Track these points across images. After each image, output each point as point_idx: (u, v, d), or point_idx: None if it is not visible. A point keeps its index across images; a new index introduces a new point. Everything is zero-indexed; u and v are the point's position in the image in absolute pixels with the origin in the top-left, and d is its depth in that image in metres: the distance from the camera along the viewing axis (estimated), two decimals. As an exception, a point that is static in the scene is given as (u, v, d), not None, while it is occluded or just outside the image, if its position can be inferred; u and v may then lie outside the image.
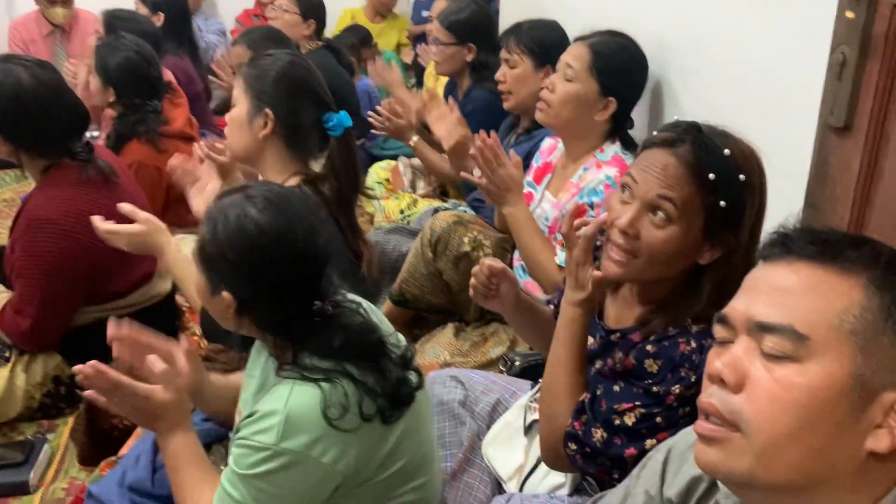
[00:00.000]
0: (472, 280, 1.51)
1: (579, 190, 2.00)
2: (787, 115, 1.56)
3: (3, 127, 1.99)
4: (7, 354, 2.13)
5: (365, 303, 1.37)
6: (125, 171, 2.30)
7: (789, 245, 0.82)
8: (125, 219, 2.06)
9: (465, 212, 2.59)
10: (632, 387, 1.24)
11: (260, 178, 1.94)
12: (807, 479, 0.76)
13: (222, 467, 1.32)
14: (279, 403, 1.18)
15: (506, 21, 3.23)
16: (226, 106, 4.09)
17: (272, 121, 1.75)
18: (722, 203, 1.18)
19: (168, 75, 2.91)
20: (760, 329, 0.78)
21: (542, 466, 1.48)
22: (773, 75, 1.64)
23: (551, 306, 1.61)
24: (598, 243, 1.35)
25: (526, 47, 2.43)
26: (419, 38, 4.85)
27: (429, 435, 1.40)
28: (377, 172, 3.34)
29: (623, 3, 2.49)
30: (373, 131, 2.97)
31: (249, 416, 1.21)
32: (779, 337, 0.76)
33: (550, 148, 2.25)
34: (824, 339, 0.75)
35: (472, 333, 2.36)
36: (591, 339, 1.37)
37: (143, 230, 1.79)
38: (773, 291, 0.80)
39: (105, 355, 2.00)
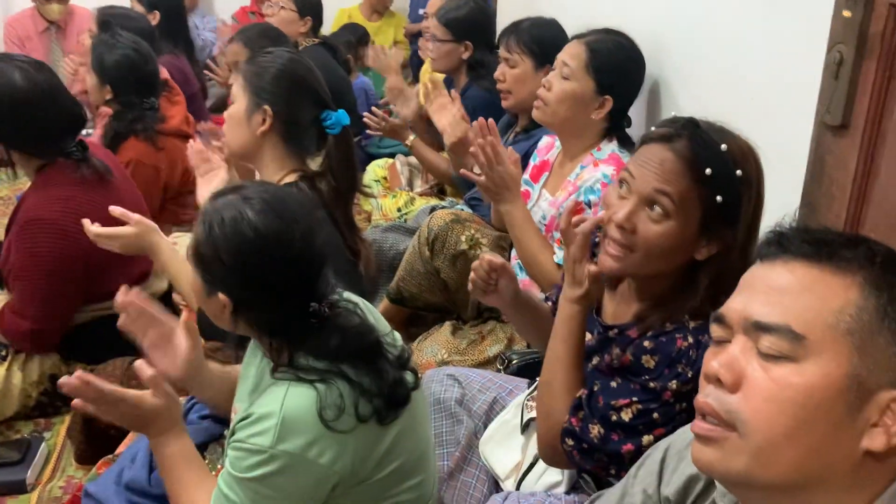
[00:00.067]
0: (472, 275, 1.51)
1: (576, 188, 2.00)
2: (783, 114, 1.56)
3: None
4: (3, 353, 2.13)
5: (362, 302, 1.36)
6: (120, 168, 2.30)
7: (785, 244, 0.82)
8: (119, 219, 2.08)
9: (463, 210, 2.59)
10: (629, 383, 1.24)
11: (257, 174, 1.94)
12: (803, 478, 0.76)
13: (219, 466, 1.32)
14: (275, 405, 1.18)
15: (503, 19, 3.24)
16: (222, 104, 4.10)
17: (270, 117, 1.75)
18: (718, 198, 1.19)
19: (164, 73, 2.91)
20: (757, 329, 0.78)
21: (539, 464, 1.48)
22: (770, 74, 1.64)
23: (549, 303, 1.61)
24: (597, 240, 1.35)
25: (526, 47, 2.43)
26: (416, 36, 4.84)
27: (425, 433, 1.39)
28: (374, 170, 3.34)
29: (620, 1, 2.49)
30: (368, 132, 2.97)
31: (245, 418, 1.21)
32: (775, 337, 0.76)
33: (548, 146, 2.25)
34: (821, 338, 0.75)
35: (470, 332, 2.36)
36: (588, 336, 1.38)
37: (135, 232, 1.79)
38: (769, 291, 0.80)
39: (101, 354, 2.02)
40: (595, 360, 1.34)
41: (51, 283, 2.00)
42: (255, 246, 1.20)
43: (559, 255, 1.92)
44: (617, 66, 2.03)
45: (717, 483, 0.88)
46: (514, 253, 2.21)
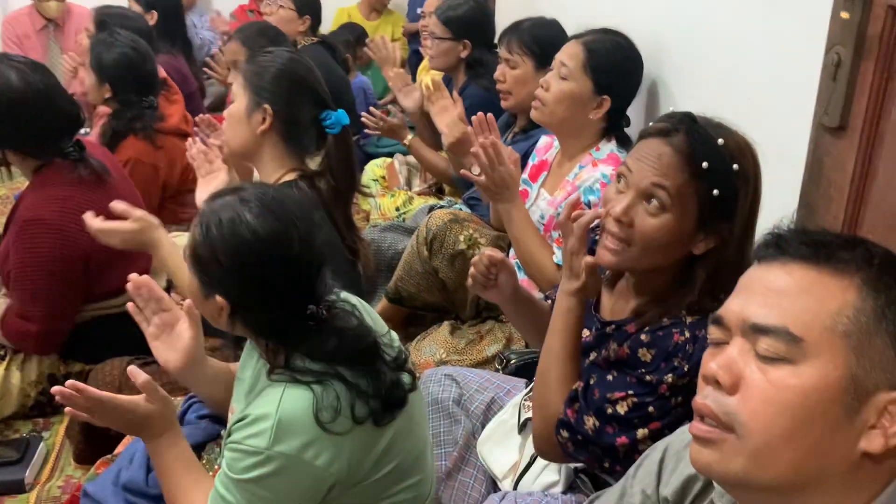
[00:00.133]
0: (472, 269, 1.52)
1: (575, 188, 2.00)
2: (781, 115, 1.57)
3: None
4: (2, 353, 2.12)
5: (359, 303, 1.36)
6: (118, 168, 2.30)
7: (783, 246, 0.82)
8: (119, 215, 2.07)
9: (461, 209, 2.59)
10: (625, 376, 1.25)
11: (256, 173, 1.94)
12: (801, 479, 0.76)
13: (217, 466, 1.32)
14: (271, 407, 1.18)
15: (501, 18, 3.23)
16: (221, 103, 4.10)
17: (270, 116, 1.76)
18: (715, 192, 1.19)
19: (162, 73, 2.91)
20: (755, 331, 0.78)
21: (536, 464, 1.48)
22: (769, 75, 1.64)
23: (549, 302, 1.62)
24: (596, 237, 1.35)
25: (527, 48, 2.42)
26: (414, 35, 4.85)
27: (422, 434, 1.39)
28: (373, 170, 3.34)
29: (618, 1, 2.49)
30: (366, 131, 2.97)
31: (241, 419, 1.21)
32: (773, 338, 0.76)
33: (546, 146, 2.26)
34: (818, 340, 0.75)
35: (468, 331, 2.36)
36: (587, 332, 1.38)
37: (136, 227, 1.79)
38: (767, 292, 0.80)
39: (100, 354, 2.02)
40: (593, 356, 1.34)
41: (52, 283, 2.00)
42: (253, 248, 1.19)
43: (558, 255, 1.92)
44: (615, 65, 2.03)
45: (715, 483, 0.88)
46: (512, 253, 2.21)
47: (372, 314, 1.39)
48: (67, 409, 1.30)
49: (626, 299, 1.35)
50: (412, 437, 1.33)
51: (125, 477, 1.51)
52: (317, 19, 3.71)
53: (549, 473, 1.46)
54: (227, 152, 1.96)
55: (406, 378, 1.30)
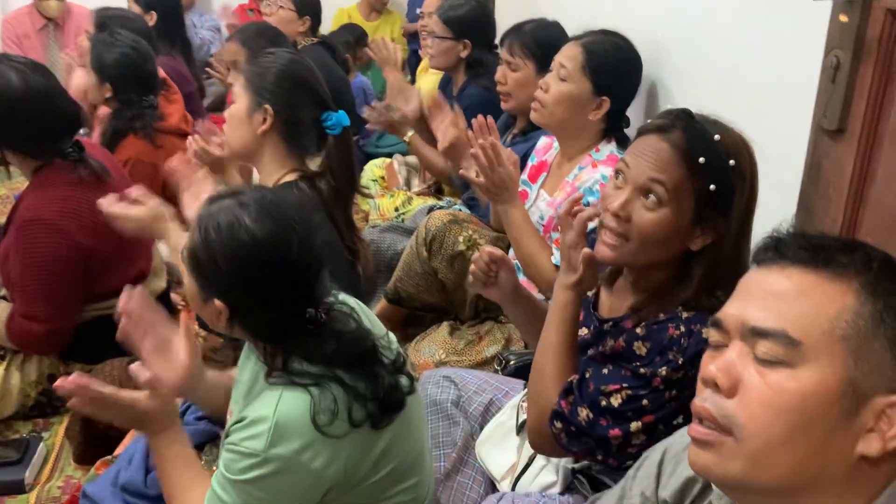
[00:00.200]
0: (472, 267, 1.52)
1: (574, 189, 2.00)
2: (781, 117, 1.57)
3: None
4: (1, 353, 2.13)
5: (357, 305, 1.36)
6: (118, 168, 2.30)
7: (782, 250, 0.82)
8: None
9: (461, 210, 2.59)
10: (620, 369, 1.25)
11: (256, 173, 1.94)
12: (799, 482, 0.77)
13: (215, 467, 1.32)
14: (268, 409, 1.18)
15: (501, 18, 3.24)
16: (220, 103, 4.10)
17: (271, 117, 1.76)
18: (711, 187, 1.20)
19: (162, 73, 2.91)
20: (754, 334, 0.78)
21: (534, 465, 1.49)
22: (768, 77, 1.64)
23: (549, 302, 1.62)
24: (594, 237, 1.36)
25: (529, 51, 2.41)
26: (413, 36, 4.85)
27: (421, 436, 1.39)
28: (372, 170, 3.34)
29: (619, 2, 2.49)
30: (368, 126, 2.97)
31: (239, 420, 1.21)
32: (772, 342, 0.77)
33: (546, 146, 2.26)
34: (816, 344, 0.76)
35: (467, 332, 2.36)
36: (585, 330, 1.39)
37: (150, 214, 1.78)
38: (766, 296, 0.80)
39: (100, 354, 2.02)
40: (590, 353, 1.35)
41: (54, 282, 2.00)
42: (252, 252, 1.19)
43: (556, 255, 1.93)
44: (614, 67, 2.04)
45: (713, 485, 0.89)
46: (511, 254, 2.21)
47: (370, 316, 1.39)
48: (71, 402, 1.31)
49: (624, 297, 1.35)
50: (410, 439, 1.33)
51: (124, 478, 1.52)
52: (317, 20, 3.71)
53: (546, 474, 1.47)
54: (227, 153, 1.96)
55: (404, 381, 1.30)
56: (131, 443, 1.63)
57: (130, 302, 1.38)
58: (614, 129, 2.08)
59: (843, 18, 1.29)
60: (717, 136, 1.20)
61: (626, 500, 1.04)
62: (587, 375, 1.29)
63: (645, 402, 1.21)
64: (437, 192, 3.19)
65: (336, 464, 1.20)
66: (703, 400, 0.80)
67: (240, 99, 1.80)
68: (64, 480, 2.02)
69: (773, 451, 0.76)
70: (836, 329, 0.76)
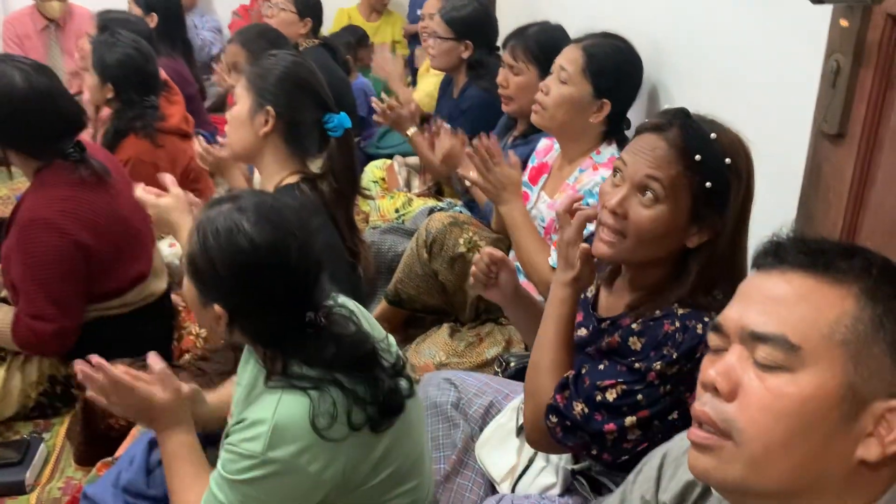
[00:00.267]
0: (473, 269, 1.53)
1: (575, 192, 2.01)
2: (781, 122, 1.57)
3: None
4: (2, 354, 2.13)
5: (357, 308, 1.36)
6: (120, 169, 2.30)
7: (782, 254, 0.83)
8: (119, 216, 2.08)
9: (461, 212, 2.60)
10: (616, 364, 1.26)
11: (257, 175, 1.95)
12: (798, 486, 0.77)
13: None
14: (267, 412, 1.18)
15: (502, 20, 3.24)
16: (221, 104, 4.10)
17: (273, 119, 1.77)
18: (707, 184, 1.22)
19: (163, 74, 2.92)
20: (754, 338, 0.79)
21: (534, 467, 1.49)
22: (768, 80, 1.65)
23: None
24: (591, 241, 1.37)
25: (532, 56, 2.40)
26: (414, 37, 4.85)
27: (420, 438, 1.40)
28: (372, 171, 3.34)
29: (620, 5, 2.49)
30: (374, 117, 2.97)
31: (239, 422, 1.21)
32: (771, 347, 0.77)
33: (546, 148, 2.26)
34: (816, 348, 0.76)
35: (468, 334, 2.37)
36: (584, 331, 1.40)
37: (171, 203, 1.76)
38: (765, 300, 0.80)
39: (102, 355, 2.01)
40: (587, 350, 1.36)
41: (56, 281, 2.00)
42: (251, 257, 1.18)
43: (554, 257, 1.93)
44: (614, 69, 2.04)
45: (713, 490, 0.89)
46: (512, 256, 2.22)
47: (370, 319, 1.39)
48: (87, 393, 1.32)
49: (622, 295, 1.37)
50: (410, 442, 1.33)
51: (125, 479, 1.52)
52: (318, 22, 3.71)
53: (546, 476, 1.47)
54: (229, 154, 1.97)
55: (404, 384, 1.30)
56: (132, 444, 1.63)
57: (85, 366, 1.35)
58: (615, 131, 2.08)
59: (844, 23, 1.29)
60: (713, 135, 1.22)
61: (627, 503, 1.04)
62: (583, 371, 1.30)
63: (640, 396, 1.22)
64: (438, 193, 3.20)
65: (335, 467, 1.20)
66: (703, 404, 0.81)
67: (242, 100, 1.80)
68: (65, 481, 2.02)
69: (772, 456, 0.76)
70: (836, 334, 0.76)
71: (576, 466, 1.44)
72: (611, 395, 1.24)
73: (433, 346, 2.33)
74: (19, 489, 1.97)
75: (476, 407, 1.69)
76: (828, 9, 1.34)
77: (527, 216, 2.02)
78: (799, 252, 0.82)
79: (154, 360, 1.33)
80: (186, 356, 2.18)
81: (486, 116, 2.80)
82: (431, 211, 2.75)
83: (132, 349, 1.99)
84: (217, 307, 1.22)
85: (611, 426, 1.24)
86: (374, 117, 2.96)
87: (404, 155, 3.33)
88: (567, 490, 1.44)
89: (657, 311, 1.26)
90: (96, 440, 1.89)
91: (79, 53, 2.95)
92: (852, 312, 0.77)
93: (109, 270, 2.09)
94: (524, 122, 2.49)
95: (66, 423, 2.18)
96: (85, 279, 2.05)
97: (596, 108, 2.03)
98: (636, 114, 2.18)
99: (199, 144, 2.24)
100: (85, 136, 2.26)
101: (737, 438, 0.77)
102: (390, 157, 3.44)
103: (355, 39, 4.49)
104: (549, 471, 1.47)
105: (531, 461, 1.50)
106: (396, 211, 3.00)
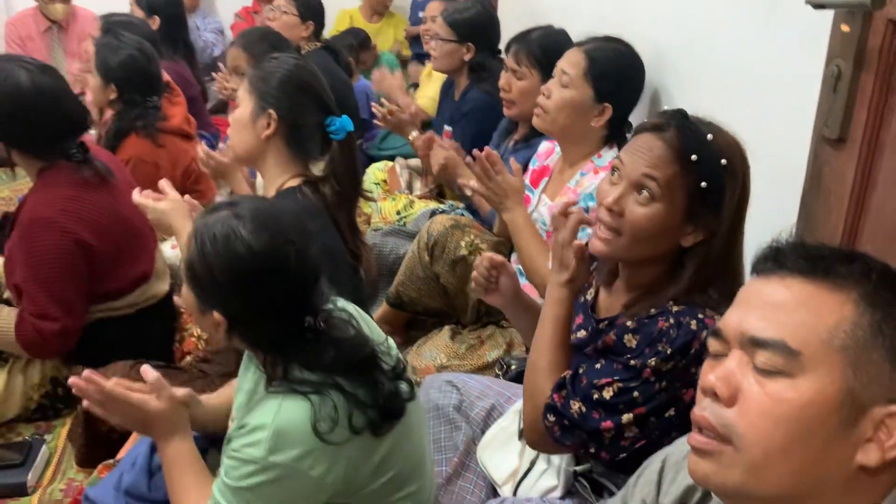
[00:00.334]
0: (474, 273, 1.55)
1: (576, 195, 2.01)
2: (782, 126, 1.58)
3: None
4: (5, 356, 2.13)
5: (356, 311, 1.36)
6: (122, 170, 2.31)
7: (781, 260, 0.83)
8: (121, 217, 2.08)
9: (462, 215, 2.60)
10: (612, 363, 1.27)
11: (259, 178, 1.95)
12: (797, 491, 0.77)
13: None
14: (268, 417, 1.18)
15: (505, 23, 3.24)
16: (223, 106, 4.11)
17: (275, 122, 1.77)
18: (703, 184, 1.23)
19: (165, 76, 2.92)
20: (753, 344, 0.79)
21: (536, 470, 1.49)
22: (770, 86, 1.65)
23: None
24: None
25: (535, 60, 2.39)
26: (416, 39, 4.86)
27: (421, 441, 1.40)
28: (374, 173, 3.34)
29: (622, 8, 2.49)
30: (375, 121, 2.97)
31: (240, 427, 1.22)
32: (771, 352, 0.77)
33: (548, 151, 2.26)
34: (815, 354, 0.76)
35: (469, 336, 2.37)
36: (584, 332, 1.40)
37: (169, 208, 1.78)
38: (765, 306, 0.81)
39: (103, 357, 2.03)
40: (585, 351, 1.37)
41: (59, 281, 2.00)
42: (249, 264, 1.18)
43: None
44: (616, 73, 2.04)
45: (713, 494, 0.89)
46: (514, 258, 2.22)
47: (369, 323, 1.39)
48: (84, 403, 1.33)
49: (619, 295, 1.38)
50: (411, 445, 1.33)
51: (127, 481, 1.52)
52: (320, 25, 3.72)
53: (547, 478, 1.47)
54: (231, 157, 1.97)
55: (404, 387, 1.30)
56: (134, 446, 1.64)
57: (80, 380, 1.35)
58: (616, 135, 2.08)
59: (845, 28, 1.29)
60: (709, 136, 1.24)
61: (627, 506, 1.05)
62: (580, 371, 1.31)
63: (636, 394, 1.23)
64: (440, 195, 3.20)
65: (336, 471, 1.21)
66: (703, 409, 0.81)
67: (244, 103, 1.81)
68: (66, 483, 2.02)
69: (772, 461, 0.76)
70: (835, 339, 0.76)
71: (577, 468, 1.44)
72: (607, 393, 1.25)
73: (434, 349, 2.33)
74: (21, 491, 1.98)
75: (478, 410, 1.69)
76: (829, 14, 1.35)
77: (529, 221, 2.02)
78: (798, 257, 0.82)
79: (147, 370, 1.33)
80: (188, 358, 2.19)
81: (487, 119, 2.81)
82: (433, 213, 2.74)
83: (134, 351, 2.00)
84: (216, 314, 1.22)
85: (608, 424, 1.25)
86: (376, 121, 2.97)
87: (406, 157, 3.34)
88: (568, 492, 1.45)
89: (652, 310, 1.27)
90: (98, 442, 1.90)
91: (83, 57, 2.95)
92: (851, 318, 0.77)
93: (111, 270, 2.10)
94: (525, 125, 2.49)
95: (67, 424, 2.18)
96: (87, 279, 2.06)
97: (597, 111, 2.03)
98: (638, 117, 2.18)
99: (200, 149, 2.25)
100: (89, 138, 2.27)
101: (736, 443, 0.77)
102: (392, 159, 3.44)
103: (357, 42, 4.50)
104: (550, 473, 1.47)
105: (533, 464, 1.50)
106: (398, 213, 3.00)
